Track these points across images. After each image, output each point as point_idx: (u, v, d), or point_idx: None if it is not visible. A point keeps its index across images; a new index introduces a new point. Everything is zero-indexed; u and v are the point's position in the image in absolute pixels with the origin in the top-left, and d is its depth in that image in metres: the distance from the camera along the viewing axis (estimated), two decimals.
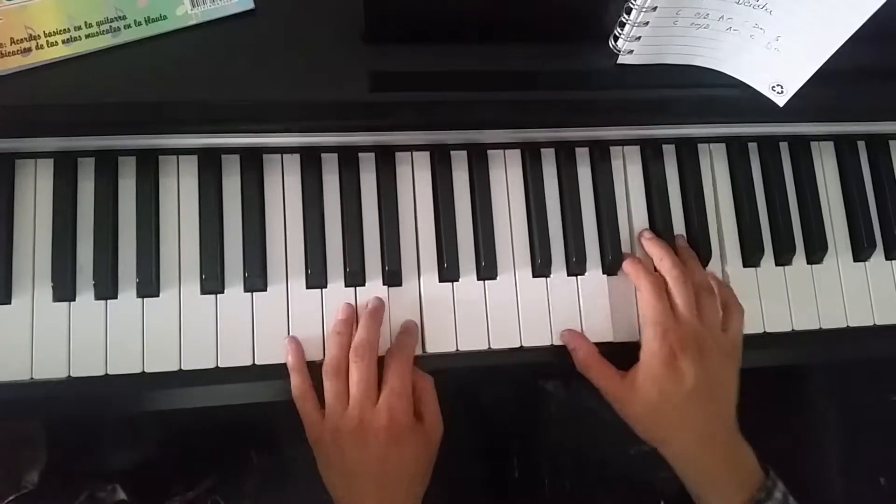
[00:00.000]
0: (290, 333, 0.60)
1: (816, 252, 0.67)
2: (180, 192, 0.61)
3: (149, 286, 0.58)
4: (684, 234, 0.66)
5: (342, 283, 0.61)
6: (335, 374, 0.58)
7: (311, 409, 0.58)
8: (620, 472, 0.91)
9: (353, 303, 0.61)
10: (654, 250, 0.64)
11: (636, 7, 0.56)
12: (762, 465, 0.60)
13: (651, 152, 0.66)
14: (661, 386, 0.58)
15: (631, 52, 0.60)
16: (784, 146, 0.69)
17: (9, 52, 0.55)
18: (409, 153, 0.64)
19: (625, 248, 0.65)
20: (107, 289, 0.58)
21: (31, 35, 0.56)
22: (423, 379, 0.60)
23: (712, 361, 0.59)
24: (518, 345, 0.62)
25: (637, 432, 0.61)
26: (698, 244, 0.65)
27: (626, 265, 0.64)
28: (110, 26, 0.57)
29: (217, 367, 0.59)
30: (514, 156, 0.65)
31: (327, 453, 0.57)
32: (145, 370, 0.58)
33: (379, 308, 0.60)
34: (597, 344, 0.62)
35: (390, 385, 0.57)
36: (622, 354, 0.61)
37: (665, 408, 0.59)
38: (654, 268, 0.64)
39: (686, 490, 0.62)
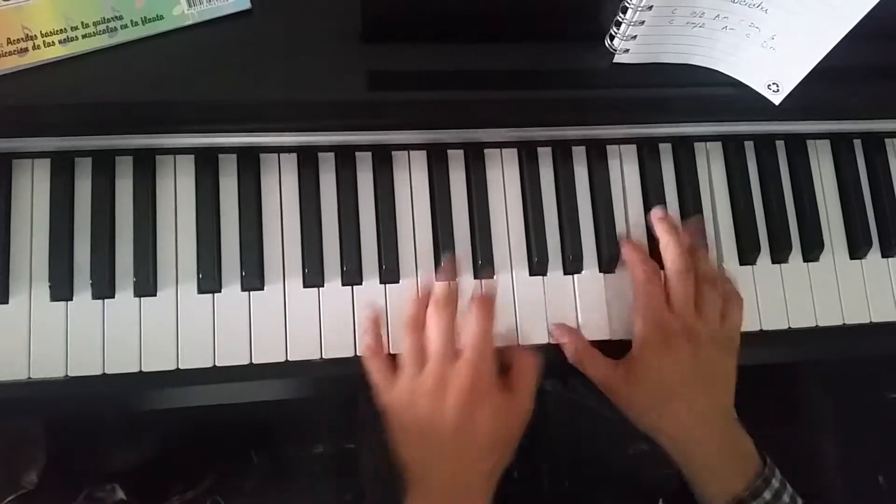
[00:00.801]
0: (289, 332, 0.60)
1: (813, 250, 0.67)
2: (177, 191, 0.61)
3: (146, 285, 0.58)
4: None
5: (339, 281, 0.61)
6: (413, 328, 0.57)
7: (383, 368, 0.57)
8: (619, 471, 0.91)
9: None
10: (662, 235, 0.63)
11: (632, 6, 0.56)
12: (760, 454, 0.60)
13: (647, 151, 0.66)
14: (654, 374, 0.59)
15: (627, 51, 0.60)
16: (780, 144, 0.69)
17: (5, 53, 0.55)
18: (406, 152, 0.64)
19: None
20: (104, 288, 0.58)
21: (27, 35, 0.56)
22: (528, 354, 0.59)
23: (705, 351, 0.59)
24: (516, 343, 0.62)
25: (633, 421, 0.61)
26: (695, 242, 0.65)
27: (625, 250, 0.64)
28: (107, 26, 0.57)
29: (214, 366, 0.59)
30: (511, 155, 0.65)
31: (401, 415, 0.56)
32: (143, 369, 0.58)
33: (459, 263, 0.60)
34: (594, 342, 0.62)
35: (474, 338, 0.56)
36: (620, 352, 0.61)
37: (658, 395, 0.59)
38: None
39: (685, 489, 0.62)
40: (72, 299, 0.58)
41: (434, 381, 0.55)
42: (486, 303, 0.58)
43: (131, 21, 0.57)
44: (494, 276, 0.63)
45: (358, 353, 0.60)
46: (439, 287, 0.58)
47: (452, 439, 0.55)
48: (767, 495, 0.57)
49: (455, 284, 0.59)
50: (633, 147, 0.67)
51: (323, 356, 0.60)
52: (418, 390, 0.55)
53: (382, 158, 0.63)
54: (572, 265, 0.64)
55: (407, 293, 0.62)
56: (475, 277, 0.63)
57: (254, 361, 0.59)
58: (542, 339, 0.63)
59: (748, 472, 0.58)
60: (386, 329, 0.61)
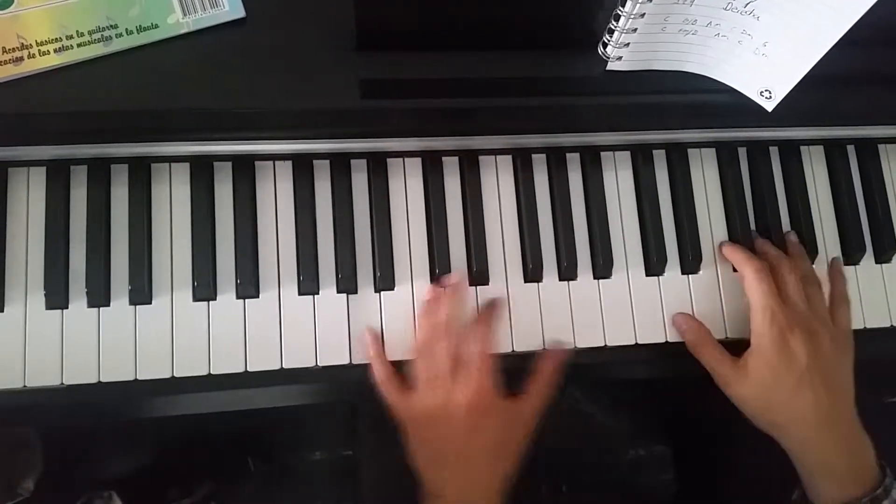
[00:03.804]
0: (284, 340, 0.60)
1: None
2: (172, 199, 0.61)
3: (141, 293, 0.58)
4: (681, 236, 0.66)
5: (334, 289, 0.61)
6: (427, 352, 0.59)
7: (396, 391, 0.59)
8: (617, 476, 0.91)
9: (431, 289, 0.62)
10: (761, 247, 0.65)
11: (624, 14, 0.56)
12: (879, 463, 0.59)
13: (641, 157, 0.67)
14: (774, 368, 0.59)
15: (620, 58, 0.60)
16: (774, 150, 0.69)
17: (1, 62, 0.55)
18: (401, 159, 0.64)
19: (616, 252, 0.65)
20: (99, 296, 0.58)
21: (23, 44, 0.56)
22: (548, 361, 0.61)
23: (823, 345, 0.60)
24: (510, 350, 0.63)
25: (749, 416, 0.61)
26: (688, 247, 0.66)
27: (727, 250, 0.65)
28: (102, 35, 0.57)
29: (210, 373, 0.59)
30: (506, 161, 0.65)
31: (418, 433, 0.59)
32: (138, 377, 0.58)
33: (460, 283, 0.61)
34: (588, 350, 0.63)
35: (476, 359, 0.58)
36: (617, 361, 0.62)
37: (778, 390, 0.59)
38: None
39: (682, 494, 0.62)
40: (67, 307, 0.58)
41: (444, 398, 0.57)
42: (487, 319, 0.61)
43: (126, 30, 0.58)
44: (490, 283, 0.63)
45: (353, 361, 0.60)
46: (447, 311, 0.60)
47: (463, 452, 0.58)
48: None
49: (458, 302, 0.60)
50: (627, 153, 0.67)
51: (318, 364, 0.60)
52: (431, 406, 0.58)
53: (377, 166, 0.63)
54: (567, 272, 0.64)
55: (401, 301, 0.62)
56: (470, 285, 0.63)
57: (249, 369, 0.59)
58: (537, 345, 0.63)
59: (867, 480, 0.58)
60: (381, 336, 0.61)
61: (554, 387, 0.61)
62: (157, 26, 0.58)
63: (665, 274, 0.65)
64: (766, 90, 0.60)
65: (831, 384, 0.59)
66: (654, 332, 0.64)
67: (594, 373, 0.66)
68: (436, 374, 0.58)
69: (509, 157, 0.65)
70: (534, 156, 0.66)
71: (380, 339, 0.61)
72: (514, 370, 0.63)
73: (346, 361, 0.60)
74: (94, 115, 0.56)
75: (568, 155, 0.66)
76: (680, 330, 0.64)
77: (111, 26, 0.57)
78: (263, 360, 0.59)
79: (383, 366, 0.60)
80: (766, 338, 0.59)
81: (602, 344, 0.63)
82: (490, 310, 0.62)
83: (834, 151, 0.70)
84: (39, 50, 0.56)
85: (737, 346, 0.62)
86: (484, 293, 0.63)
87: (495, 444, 0.58)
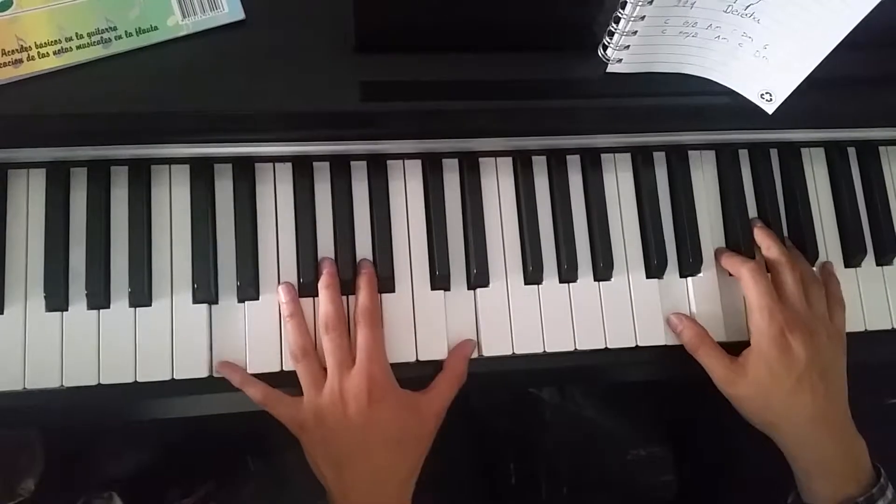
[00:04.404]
0: (284, 342, 0.60)
1: (807, 258, 0.67)
2: (172, 201, 0.61)
3: (141, 296, 0.58)
4: (674, 239, 0.67)
5: None
6: (303, 355, 0.58)
7: (284, 403, 0.58)
8: (617, 478, 0.91)
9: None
10: (763, 239, 0.65)
11: (624, 16, 0.56)
12: (873, 464, 0.60)
13: (642, 159, 0.66)
14: (772, 367, 0.59)
15: (620, 60, 0.60)
16: (774, 153, 0.69)
17: (0, 64, 0.55)
18: (401, 161, 0.64)
19: (616, 254, 0.65)
20: (99, 298, 0.58)
21: (22, 46, 0.56)
22: (451, 353, 0.60)
23: (822, 343, 0.60)
24: (510, 352, 0.62)
25: (746, 415, 0.61)
26: (688, 250, 0.65)
27: (723, 258, 0.65)
28: (101, 37, 0.57)
29: (210, 376, 0.59)
30: (506, 164, 0.65)
31: (312, 437, 0.57)
32: (138, 379, 0.58)
33: (332, 279, 0.60)
34: (589, 352, 0.63)
35: (361, 347, 0.57)
36: (618, 363, 0.62)
37: (777, 390, 0.59)
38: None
39: (683, 496, 0.62)
40: (67, 309, 0.58)
41: (336, 395, 0.56)
42: (368, 312, 0.59)
43: (125, 32, 0.58)
44: (490, 285, 0.63)
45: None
46: (324, 310, 0.59)
47: (360, 441, 0.56)
48: None
49: (337, 298, 0.59)
50: (628, 155, 0.67)
51: None
52: (322, 406, 0.57)
53: (377, 168, 0.63)
54: (567, 274, 0.64)
55: (401, 303, 0.62)
56: (469, 287, 0.63)
57: (249, 371, 0.59)
58: (537, 348, 0.63)
59: (862, 479, 0.58)
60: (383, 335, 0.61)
61: (460, 381, 0.60)
62: (156, 28, 0.58)
63: (665, 276, 0.65)
64: (766, 92, 0.60)
65: (829, 384, 0.60)
66: (655, 333, 0.64)
67: (595, 375, 0.66)
68: (318, 374, 0.57)
69: (509, 160, 0.65)
70: (534, 158, 0.65)
71: (236, 367, 0.58)
72: (515, 372, 0.63)
73: None
74: (94, 117, 0.56)
75: (568, 157, 0.66)
76: (676, 330, 0.63)
77: (110, 28, 0.57)
78: (264, 363, 0.59)
79: (255, 387, 0.58)
80: (766, 337, 0.59)
81: (603, 346, 0.63)
82: (366, 308, 0.59)
83: (834, 154, 0.70)
84: (38, 52, 0.56)
85: (737, 349, 0.62)
86: (483, 295, 0.63)
87: (395, 436, 0.57)
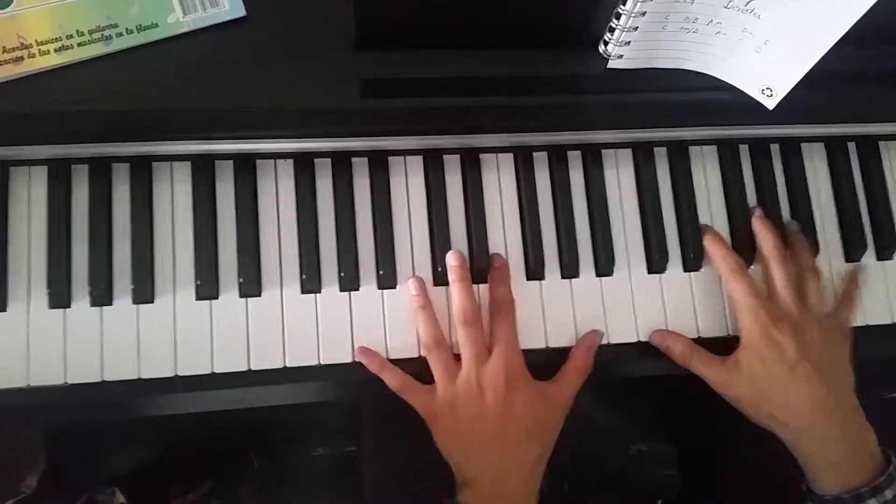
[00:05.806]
0: (287, 338, 0.60)
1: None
2: (174, 198, 0.61)
3: (144, 292, 0.58)
4: (682, 233, 0.67)
5: (337, 287, 0.62)
6: (436, 345, 0.59)
7: (418, 391, 0.59)
8: (618, 473, 0.91)
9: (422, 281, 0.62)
10: (760, 232, 0.65)
11: (625, 12, 0.56)
12: (884, 452, 0.59)
13: (643, 155, 0.67)
14: (764, 361, 0.59)
15: (621, 56, 0.60)
16: (775, 148, 0.69)
17: (1, 62, 0.55)
18: (403, 158, 0.64)
19: (618, 250, 0.65)
20: (102, 295, 0.58)
21: (23, 44, 0.56)
22: (580, 351, 0.62)
23: (813, 336, 0.60)
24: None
25: (748, 415, 0.62)
26: (690, 245, 0.66)
27: (707, 243, 0.65)
28: (102, 34, 0.57)
29: (213, 372, 0.59)
30: (507, 160, 0.65)
31: (445, 425, 0.59)
32: (141, 376, 0.58)
33: (464, 272, 0.61)
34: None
35: (498, 339, 0.59)
36: (619, 358, 0.62)
37: (772, 382, 0.59)
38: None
39: (684, 490, 0.62)
40: (70, 306, 0.58)
41: (472, 385, 0.58)
42: (507, 304, 0.61)
43: (126, 29, 0.58)
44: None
45: (356, 359, 0.60)
46: (460, 304, 0.60)
47: (495, 430, 0.58)
48: (889, 494, 0.56)
49: (471, 291, 0.61)
50: (629, 151, 0.67)
51: (321, 362, 0.60)
52: (458, 396, 0.58)
53: (379, 164, 0.63)
54: (569, 269, 0.64)
55: (403, 300, 0.62)
56: (471, 283, 0.63)
57: (252, 368, 0.59)
58: (540, 343, 0.63)
59: (869, 468, 0.58)
60: (384, 335, 0.61)
61: (587, 371, 0.62)
62: (157, 26, 0.58)
63: (667, 271, 0.66)
64: (767, 88, 0.60)
65: (826, 374, 0.60)
66: (657, 328, 0.64)
67: (597, 370, 0.66)
68: (452, 365, 0.59)
69: (511, 155, 0.65)
70: (535, 154, 0.66)
71: (375, 353, 0.60)
72: None
73: (348, 360, 0.60)
74: (95, 115, 0.56)
75: (569, 153, 0.66)
76: (663, 347, 0.63)
77: (111, 26, 0.57)
78: (266, 359, 0.59)
79: (394, 376, 0.59)
80: (754, 332, 0.60)
81: (605, 341, 0.64)
82: (503, 299, 0.61)
83: (835, 149, 0.70)
84: (39, 49, 0.56)
85: (737, 343, 0.62)
86: (486, 291, 0.63)
87: (528, 424, 0.58)
